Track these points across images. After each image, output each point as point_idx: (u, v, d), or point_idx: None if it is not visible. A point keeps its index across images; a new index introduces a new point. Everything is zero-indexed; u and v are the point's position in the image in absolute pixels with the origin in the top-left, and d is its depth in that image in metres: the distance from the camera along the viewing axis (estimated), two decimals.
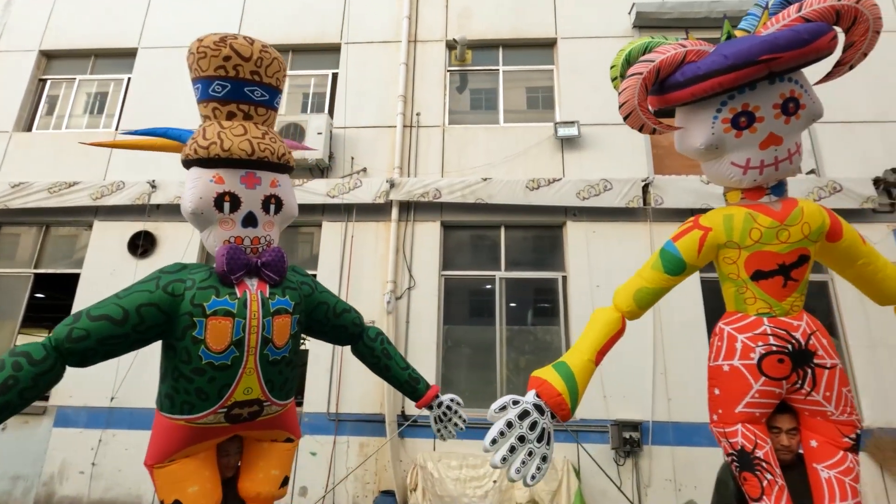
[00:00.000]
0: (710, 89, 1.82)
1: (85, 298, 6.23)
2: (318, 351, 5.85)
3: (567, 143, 6.45)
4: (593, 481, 5.22)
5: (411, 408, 5.59)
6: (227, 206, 1.94)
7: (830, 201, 5.86)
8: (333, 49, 7.30)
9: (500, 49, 7.23)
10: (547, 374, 1.74)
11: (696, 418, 5.20)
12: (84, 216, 6.61)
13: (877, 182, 5.95)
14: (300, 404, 5.77)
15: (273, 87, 2.08)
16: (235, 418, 1.92)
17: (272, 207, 2.04)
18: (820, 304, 5.94)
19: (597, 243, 6.00)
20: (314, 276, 6.13)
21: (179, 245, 6.31)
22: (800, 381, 1.84)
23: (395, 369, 2.41)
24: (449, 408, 2.54)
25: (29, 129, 7.36)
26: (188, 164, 1.99)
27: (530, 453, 1.56)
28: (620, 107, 1.95)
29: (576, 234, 6.10)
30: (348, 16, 7.33)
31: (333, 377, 5.75)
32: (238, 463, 2.17)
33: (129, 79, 7.41)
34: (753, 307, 1.92)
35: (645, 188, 6.03)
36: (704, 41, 1.98)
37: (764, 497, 1.75)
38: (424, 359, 5.80)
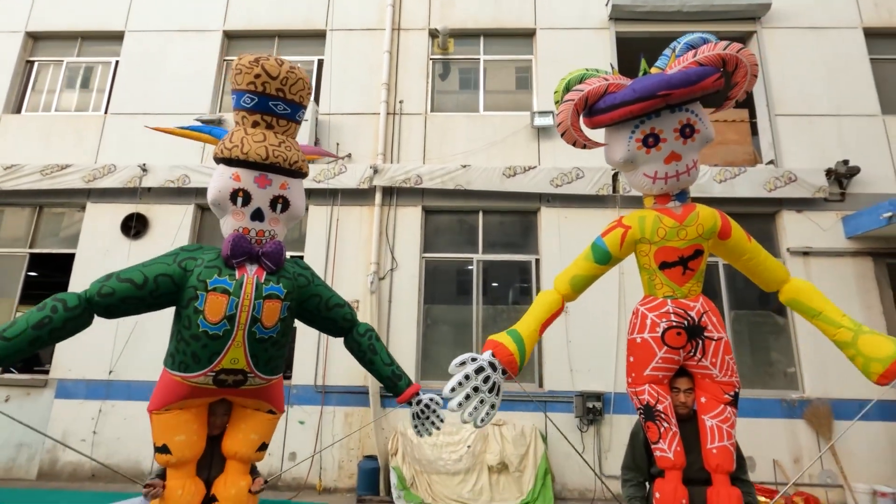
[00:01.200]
0: (623, 115, 2.25)
1: (81, 277, 6.51)
2: (305, 327, 6.20)
3: (542, 132, 6.77)
4: (558, 446, 5.72)
5: None
6: (239, 200, 2.28)
7: (786, 191, 6.29)
8: (319, 35, 7.47)
9: (481, 38, 7.45)
10: (502, 338, 2.18)
11: None
12: (77, 198, 6.83)
13: (829, 173, 6.37)
14: (288, 378, 6.17)
15: (296, 102, 2.40)
16: (221, 383, 2.26)
17: (279, 206, 2.36)
18: None
19: (568, 228, 6.38)
20: (301, 257, 6.48)
21: (171, 227, 6.58)
22: (693, 350, 2.26)
23: (379, 364, 2.63)
24: (427, 406, 2.65)
25: (18, 110, 7.48)
26: (217, 160, 2.34)
27: (482, 401, 2.02)
28: (557, 125, 2.34)
29: (549, 220, 6.48)
30: (333, 3, 7.48)
31: (320, 352, 6.13)
32: (225, 424, 2.48)
33: (116, 62, 7.53)
34: (661, 291, 2.33)
35: (614, 176, 6.39)
36: (624, 76, 2.36)
37: (660, 440, 2.21)
38: (405, 336, 6.20)
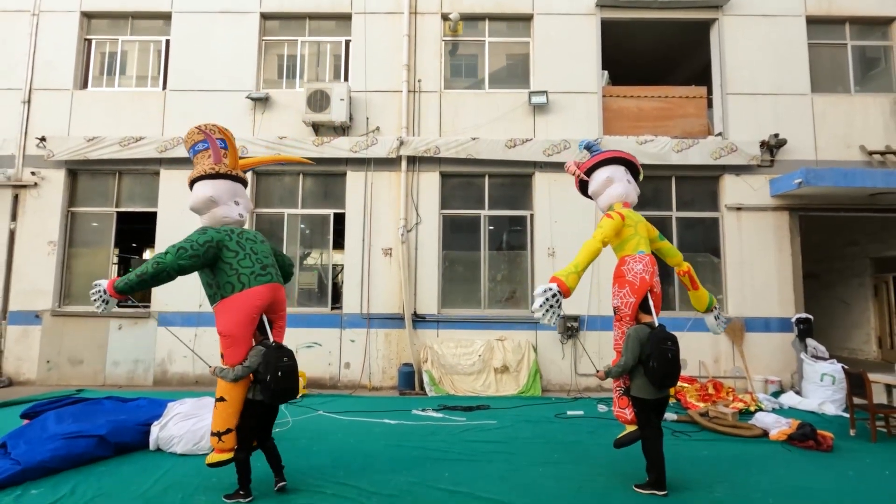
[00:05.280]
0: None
1: (163, 231, 8.06)
2: (350, 271, 7.95)
3: (537, 108, 8.21)
4: (545, 354, 7.74)
5: (422, 308, 7.88)
6: None
7: (728, 158, 7.97)
8: (345, 17, 8.55)
9: (486, 22, 8.62)
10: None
11: None
12: (151, 165, 8.19)
13: (762, 144, 8.02)
14: (339, 308, 7.98)
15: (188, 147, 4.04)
16: None
17: None
18: (711, 235, 8.25)
19: (557, 190, 8.03)
20: (343, 214, 8.01)
21: None
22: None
23: None
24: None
25: (84, 86, 8.58)
26: None
27: (554, 312, 3.51)
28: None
29: (541, 183, 8.11)
30: None
31: (364, 287, 7.90)
32: None
33: (167, 41, 8.56)
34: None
35: None
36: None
37: None
38: (429, 275, 7.98)
